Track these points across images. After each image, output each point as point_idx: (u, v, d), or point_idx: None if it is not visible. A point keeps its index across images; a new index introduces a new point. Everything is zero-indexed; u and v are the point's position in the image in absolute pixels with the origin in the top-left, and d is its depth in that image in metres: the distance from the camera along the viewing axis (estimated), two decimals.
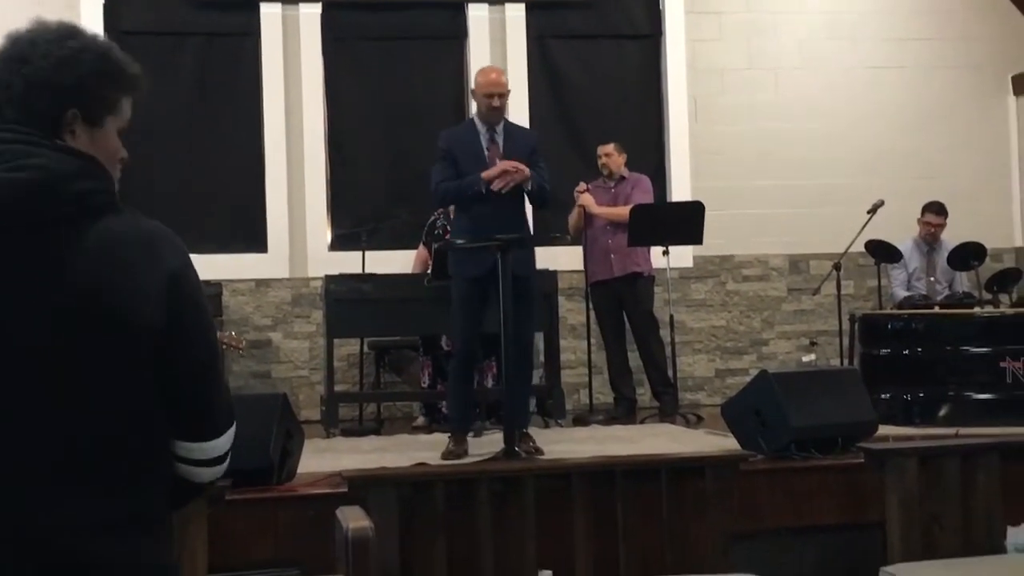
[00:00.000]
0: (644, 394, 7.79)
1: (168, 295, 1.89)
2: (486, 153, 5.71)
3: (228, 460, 2.03)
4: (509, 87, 5.80)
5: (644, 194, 7.63)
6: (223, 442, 2.01)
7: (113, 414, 1.84)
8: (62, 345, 1.82)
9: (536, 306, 5.89)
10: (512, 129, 5.89)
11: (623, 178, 7.69)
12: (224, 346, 6.92)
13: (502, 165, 5.57)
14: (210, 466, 2.01)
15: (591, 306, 7.69)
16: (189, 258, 1.96)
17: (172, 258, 1.92)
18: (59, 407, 1.82)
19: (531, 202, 5.82)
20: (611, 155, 7.70)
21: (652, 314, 7.58)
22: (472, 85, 5.82)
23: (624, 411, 7.49)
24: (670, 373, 7.44)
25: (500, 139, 5.75)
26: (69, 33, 1.96)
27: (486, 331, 5.90)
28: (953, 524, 4.30)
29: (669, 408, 7.29)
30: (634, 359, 7.65)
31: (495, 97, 5.67)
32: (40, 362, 1.82)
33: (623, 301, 7.55)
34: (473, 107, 6.25)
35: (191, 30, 8.42)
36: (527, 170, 5.58)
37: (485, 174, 5.56)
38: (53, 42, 1.93)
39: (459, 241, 5.54)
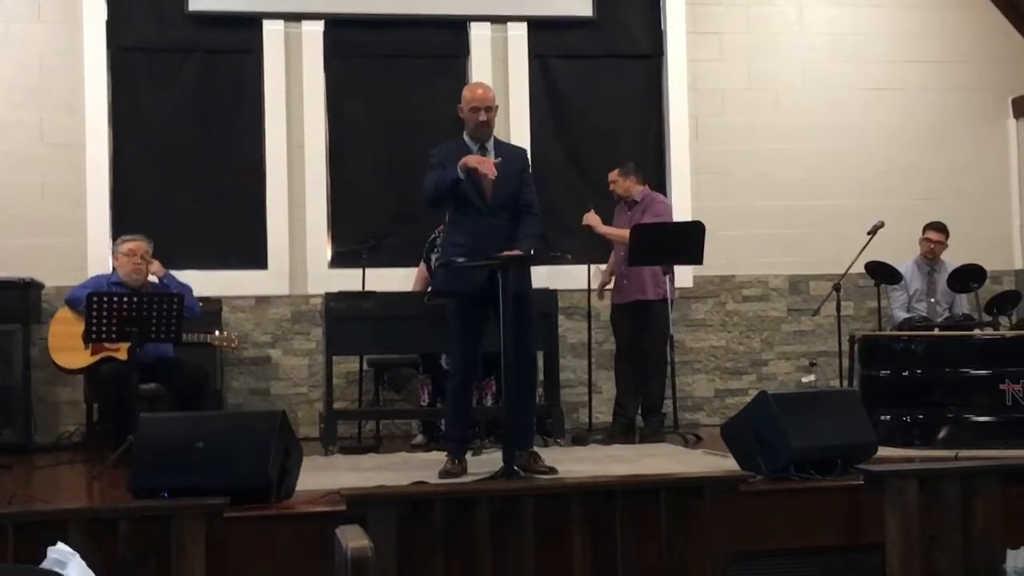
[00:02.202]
0: None
1: None
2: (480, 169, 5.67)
3: None
4: (496, 102, 5.74)
5: (653, 216, 7.57)
6: None
7: None
8: None
9: (535, 322, 5.86)
10: (502, 147, 5.84)
11: (636, 201, 7.68)
12: (218, 346, 6.97)
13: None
14: None
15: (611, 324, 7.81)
16: None
17: None
18: None
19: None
20: (615, 181, 7.74)
21: (663, 341, 7.51)
22: (460, 102, 5.75)
23: (623, 431, 7.48)
24: (668, 393, 7.43)
25: (491, 156, 5.68)
26: None
27: (486, 349, 5.88)
28: (952, 546, 4.30)
29: (647, 430, 7.34)
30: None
31: (481, 111, 5.60)
32: None
33: (636, 324, 7.54)
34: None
35: (193, 47, 8.42)
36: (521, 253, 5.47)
37: (464, 160, 5.43)
38: None
39: (460, 260, 5.49)
